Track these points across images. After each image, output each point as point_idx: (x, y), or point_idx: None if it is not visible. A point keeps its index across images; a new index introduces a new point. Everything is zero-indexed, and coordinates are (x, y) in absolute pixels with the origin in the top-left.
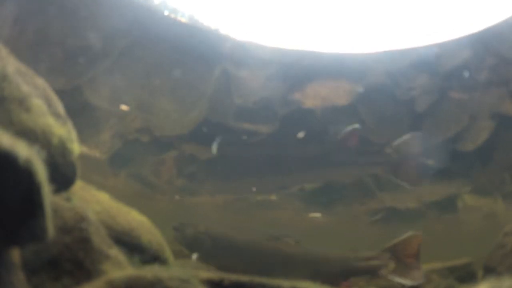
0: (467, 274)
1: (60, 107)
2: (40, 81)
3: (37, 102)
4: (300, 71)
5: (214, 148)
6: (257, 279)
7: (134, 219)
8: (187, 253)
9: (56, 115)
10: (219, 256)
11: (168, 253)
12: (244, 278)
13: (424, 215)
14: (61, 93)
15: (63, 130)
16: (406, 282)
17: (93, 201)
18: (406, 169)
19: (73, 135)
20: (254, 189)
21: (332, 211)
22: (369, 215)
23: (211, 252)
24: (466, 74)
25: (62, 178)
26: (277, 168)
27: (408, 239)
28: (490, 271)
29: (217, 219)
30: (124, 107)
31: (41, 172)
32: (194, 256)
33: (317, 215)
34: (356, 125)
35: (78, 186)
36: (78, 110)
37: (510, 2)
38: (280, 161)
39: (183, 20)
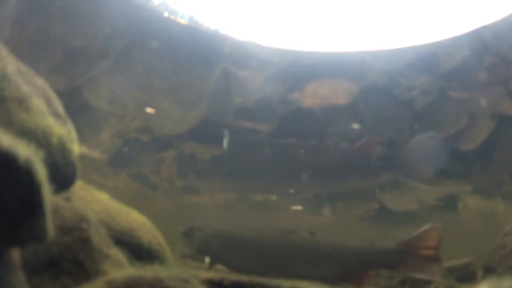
0: (467, 274)
1: (60, 107)
2: (40, 81)
3: (37, 102)
4: (300, 71)
5: (225, 144)
6: (257, 279)
7: (134, 219)
8: (197, 257)
9: (56, 115)
10: (229, 257)
11: (168, 253)
12: (244, 278)
13: (424, 214)
14: (61, 93)
15: (63, 130)
16: (425, 276)
17: (93, 201)
18: (421, 170)
19: (73, 135)
20: (291, 190)
21: (333, 210)
22: (361, 214)
23: (220, 254)
24: (465, 72)
25: (62, 178)
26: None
27: (426, 232)
28: (490, 271)
29: (218, 219)
30: (150, 110)
31: (41, 172)
32: (207, 260)
33: (299, 207)
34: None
35: (78, 186)
36: (78, 110)
37: (508, 1)
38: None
39: (183, 21)
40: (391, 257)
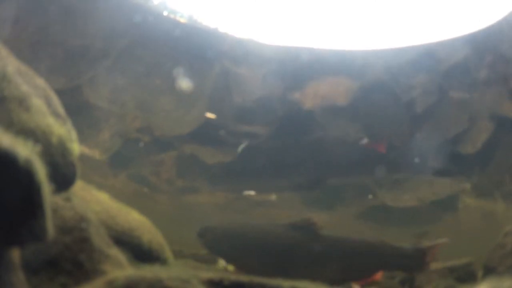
0: (467, 274)
1: (60, 107)
2: (40, 81)
3: (37, 102)
4: (300, 69)
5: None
6: (257, 279)
7: (134, 219)
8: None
9: (56, 114)
10: (239, 257)
11: (168, 253)
12: (244, 278)
13: (422, 214)
14: (61, 93)
15: (62, 130)
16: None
17: (93, 201)
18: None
19: (73, 134)
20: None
21: (332, 210)
22: (357, 213)
23: (231, 254)
24: (466, 72)
25: (62, 178)
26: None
27: (437, 244)
28: (490, 271)
29: (218, 218)
30: (210, 115)
31: (41, 172)
32: (221, 262)
33: (251, 193)
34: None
35: (78, 186)
36: (78, 110)
37: (509, 1)
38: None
39: (182, 20)
40: (409, 262)
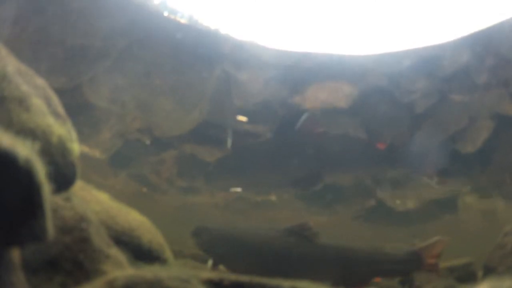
0: (467, 274)
1: (60, 107)
2: (40, 81)
3: (37, 102)
4: (300, 73)
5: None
6: (257, 279)
7: (134, 219)
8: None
9: (56, 114)
10: (232, 259)
11: (168, 253)
12: (243, 278)
13: (424, 214)
14: (61, 93)
15: (62, 130)
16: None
17: (93, 201)
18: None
19: (73, 134)
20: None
21: (332, 211)
22: (354, 213)
23: (224, 255)
24: (466, 75)
25: (62, 178)
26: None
27: (434, 243)
28: (490, 271)
29: (218, 219)
30: (241, 118)
31: (41, 172)
32: (209, 262)
33: (238, 189)
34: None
35: (78, 186)
36: (79, 110)
37: (509, 3)
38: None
39: (183, 20)
40: (403, 266)
